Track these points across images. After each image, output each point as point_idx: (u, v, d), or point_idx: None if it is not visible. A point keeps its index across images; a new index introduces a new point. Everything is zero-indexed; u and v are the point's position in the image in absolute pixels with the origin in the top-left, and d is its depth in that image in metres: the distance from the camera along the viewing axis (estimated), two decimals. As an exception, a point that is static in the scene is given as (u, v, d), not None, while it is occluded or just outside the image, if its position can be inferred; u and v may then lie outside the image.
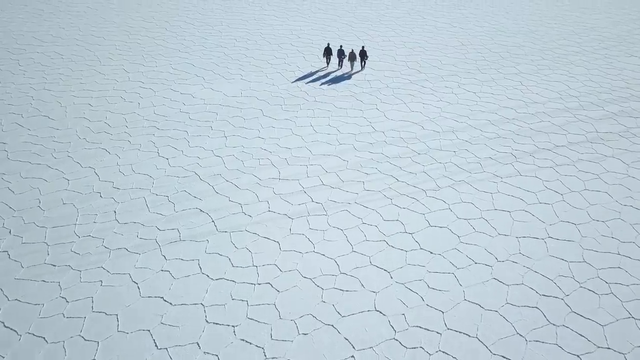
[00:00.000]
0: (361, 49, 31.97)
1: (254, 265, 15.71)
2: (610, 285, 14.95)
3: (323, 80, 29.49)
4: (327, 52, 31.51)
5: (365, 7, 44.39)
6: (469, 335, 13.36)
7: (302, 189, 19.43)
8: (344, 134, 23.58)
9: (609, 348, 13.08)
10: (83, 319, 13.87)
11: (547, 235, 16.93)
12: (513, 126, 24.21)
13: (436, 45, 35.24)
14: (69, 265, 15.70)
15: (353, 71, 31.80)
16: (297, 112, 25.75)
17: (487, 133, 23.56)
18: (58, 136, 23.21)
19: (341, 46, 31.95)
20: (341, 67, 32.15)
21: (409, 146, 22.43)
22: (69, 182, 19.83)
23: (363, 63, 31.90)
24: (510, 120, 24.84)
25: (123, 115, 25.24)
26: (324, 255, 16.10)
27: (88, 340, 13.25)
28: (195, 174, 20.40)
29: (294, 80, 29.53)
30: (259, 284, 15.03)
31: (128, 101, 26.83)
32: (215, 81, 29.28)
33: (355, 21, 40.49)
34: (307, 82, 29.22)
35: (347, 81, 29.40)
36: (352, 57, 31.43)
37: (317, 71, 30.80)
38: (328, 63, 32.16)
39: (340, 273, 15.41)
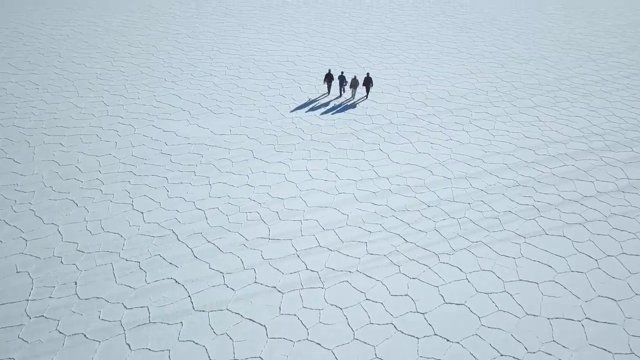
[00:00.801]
0: (366, 75, 30.28)
1: (234, 359, 13.28)
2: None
3: (321, 114, 27.29)
4: (329, 78, 29.94)
5: (366, 30, 42.46)
6: None
7: (295, 252, 17.06)
8: (344, 180, 21.28)
9: None
10: None
11: (584, 316, 14.53)
12: (533, 171, 21.92)
13: (443, 74, 33.14)
14: (12, 359, 13.27)
15: (355, 99, 29.85)
16: (292, 153, 23.48)
17: (505, 180, 21.25)
18: (22, 184, 20.89)
19: (342, 72, 30.11)
20: (342, 94, 30.41)
21: (417, 196, 20.12)
22: (27, 243, 17.46)
23: (368, 90, 30.07)
24: (530, 164, 22.56)
25: (97, 158, 22.95)
26: (319, 344, 13.66)
27: None
28: (173, 232, 18.04)
29: (289, 114, 27.33)
30: (241, 385, 12.60)
31: (104, 140, 24.57)
32: (202, 116, 27.07)
33: (355, 46, 38.49)
34: (304, 117, 27.02)
35: (347, 115, 27.19)
36: (354, 84, 29.65)
37: (314, 101, 28.66)
38: (329, 90, 30.49)
39: (339, 369, 13.00)
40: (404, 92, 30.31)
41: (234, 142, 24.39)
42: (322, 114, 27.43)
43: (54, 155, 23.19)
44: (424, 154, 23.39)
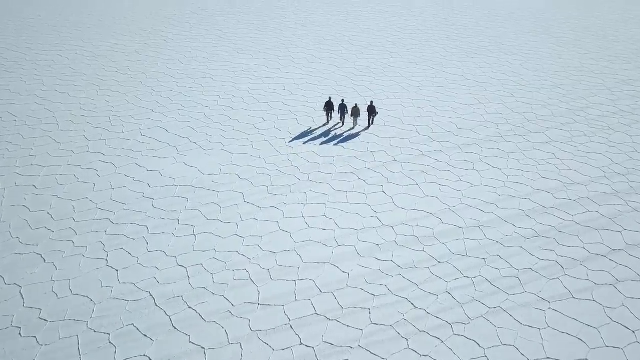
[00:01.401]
0: (369, 104, 28.82)
1: None
2: None
3: (319, 149, 25.51)
4: (329, 106, 28.56)
5: (367, 55, 40.94)
6: None
7: (287, 321, 15.11)
8: (344, 229, 19.41)
9: None
10: None
11: (626, 407, 12.57)
12: (553, 219, 20.06)
13: (449, 104, 31.47)
14: None
15: (356, 129, 28.33)
16: (287, 196, 21.64)
17: (523, 230, 19.38)
18: (-15, 234, 19.04)
19: (343, 100, 28.68)
20: (343, 123, 29.01)
21: (425, 249, 18.23)
22: (-17, 309, 15.55)
23: (371, 120, 28.71)
24: (549, 210, 20.70)
25: (72, 203, 21.10)
26: None
27: None
28: (150, 295, 16.10)
29: (284, 150, 25.56)
30: None
31: (82, 181, 22.75)
32: (190, 153, 25.29)
33: (355, 72, 36.90)
34: (300, 153, 25.24)
35: (347, 151, 25.41)
36: (355, 113, 28.25)
37: (312, 132, 26.93)
38: (329, 119, 29.11)
39: None
40: (408, 125, 28.59)
41: (223, 184, 22.55)
42: (320, 149, 25.66)
43: (24, 199, 21.34)
44: (431, 197, 21.55)
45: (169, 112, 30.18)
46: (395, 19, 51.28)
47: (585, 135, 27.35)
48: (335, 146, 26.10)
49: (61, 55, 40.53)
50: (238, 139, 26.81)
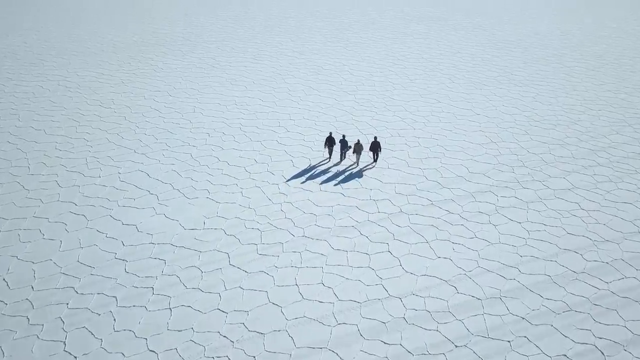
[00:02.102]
0: (373, 140, 26.89)
1: None
2: None
3: (316, 197, 23.17)
4: (329, 142, 26.99)
5: (368, 87, 38.92)
6: None
7: None
8: (344, 302, 16.98)
9: None
10: None
11: None
12: (585, 287, 17.63)
13: (458, 142, 29.28)
14: None
15: (358, 167, 26.41)
16: (278, 257, 19.24)
17: (551, 302, 16.95)
18: None
19: (343, 136, 26.95)
20: (342, 158, 27.29)
21: (439, 328, 15.77)
22: None
23: (376, 156, 26.85)
24: (579, 275, 18.30)
25: (33, 266, 18.70)
26: None
27: None
28: (112, 393, 13.64)
29: (277, 198, 23.22)
30: None
31: (47, 238, 20.38)
32: (173, 202, 22.95)
33: (356, 106, 34.79)
34: (295, 202, 22.91)
35: (347, 199, 23.06)
36: (357, 150, 26.40)
37: (310, 172, 24.66)
38: (330, 155, 27.41)
39: None
40: (415, 168, 26.32)
41: (207, 241, 20.17)
42: (317, 197, 23.32)
43: (-21, 261, 18.98)
44: (444, 259, 19.15)
45: (153, 152, 27.93)
46: (396, 46, 49.44)
47: (611, 181, 25.05)
48: (334, 193, 23.77)
49: (42, 87, 38.45)
50: (226, 185, 24.50)
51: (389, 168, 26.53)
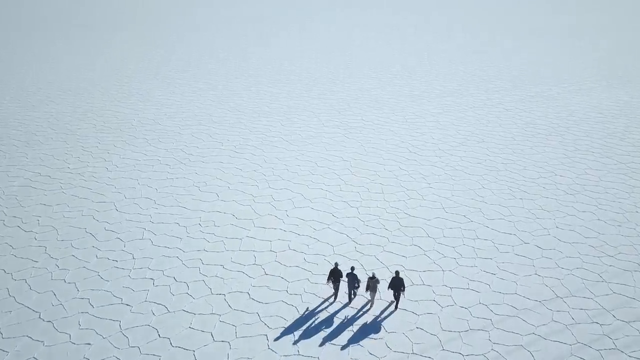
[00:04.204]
0: (394, 275, 20.11)
1: None
2: None
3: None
4: (335, 275, 20.72)
5: (375, 194, 31.30)
6: None
7: None
8: None
9: None
10: None
11: None
12: None
13: (507, 296, 21.30)
14: None
15: (373, 309, 20.19)
16: None
17: None
18: None
19: (352, 269, 20.41)
20: (351, 298, 21.00)
21: None
22: None
23: (398, 297, 20.33)
24: None
25: None
26: None
27: None
28: None
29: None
30: None
31: None
32: None
33: (360, 227, 26.99)
34: None
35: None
36: (371, 287, 20.08)
37: (307, 322, 16.67)
38: (336, 293, 21.02)
39: None
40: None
41: None
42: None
43: None
44: None
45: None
46: (405, 132, 42.10)
47: None
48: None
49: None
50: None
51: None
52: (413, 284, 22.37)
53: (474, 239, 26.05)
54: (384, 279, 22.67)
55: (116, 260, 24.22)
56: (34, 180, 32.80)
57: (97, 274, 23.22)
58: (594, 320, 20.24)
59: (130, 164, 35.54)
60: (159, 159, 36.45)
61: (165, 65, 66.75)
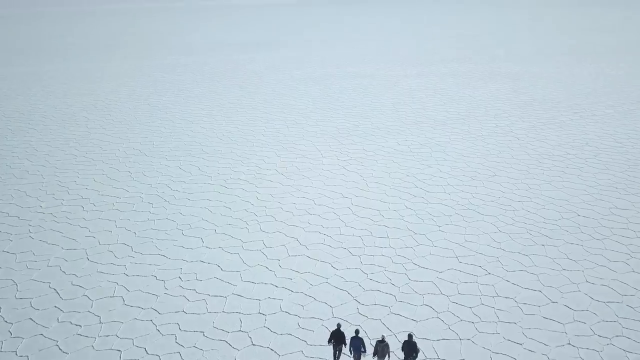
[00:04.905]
0: (407, 339, 17.69)
1: None
2: None
3: None
4: (337, 339, 18.16)
5: (381, 243, 28.03)
6: None
7: None
8: None
9: None
10: None
11: None
12: None
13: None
14: None
15: None
16: None
17: None
18: None
19: (357, 331, 17.69)
20: None
21: None
22: None
23: None
24: None
25: None
26: None
27: None
28: None
29: None
30: None
31: None
32: None
33: (364, 282, 23.66)
34: None
35: None
36: (380, 353, 17.39)
37: None
38: (338, 358, 18.12)
39: None
40: None
41: None
42: None
43: None
44: None
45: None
46: (411, 164, 38.85)
47: None
48: None
49: None
50: None
51: None
52: (427, 358, 18.97)
53: (493, 296, 22.67)
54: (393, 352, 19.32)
55: (80, 325, 20.84)
56: (0, 223, 29.52)
57: (55, 343, 19.82)
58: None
59: (109, 202, 32.25)
60: (142, 196, 33.16)
61: (157, 90, 63.86)
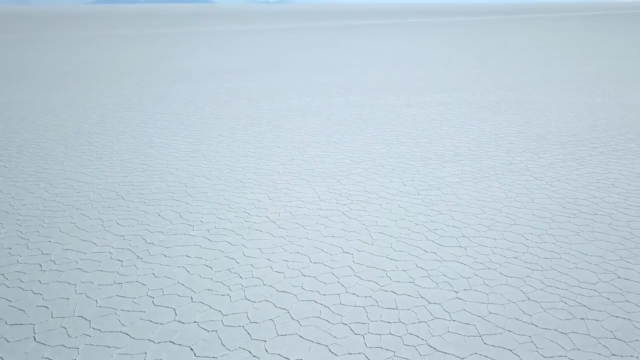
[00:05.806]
0: None
1: None
2: None
3: None
4: None
5: (390, 316, 23.53)
6: None
7: None
8: None
9: None
10: None
11: None
12: None
13: None
14: None
15: None
16: None
17: None
18: None
19: None
20: None
21: None
22: None
23: None
24: None
25: None
26: None
27: None
28: None
29: None
30: None
31: None
32: None
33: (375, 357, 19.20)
34: None
35: None
36: None
37: None
38: None
39: None
40: None
41: None
42: None
43: None
44: None
45: None
46: (417, 209, 34.43)
47: None
48: None
49: None
50: None
51: None
52: None
53: None
54: None
55: None
56: (-59, 286, 25.00)
57: None
58: None
59: (72, 259, 27.76)
60: (111, 251, 28.68)
61: (144, 120, 59.89)
